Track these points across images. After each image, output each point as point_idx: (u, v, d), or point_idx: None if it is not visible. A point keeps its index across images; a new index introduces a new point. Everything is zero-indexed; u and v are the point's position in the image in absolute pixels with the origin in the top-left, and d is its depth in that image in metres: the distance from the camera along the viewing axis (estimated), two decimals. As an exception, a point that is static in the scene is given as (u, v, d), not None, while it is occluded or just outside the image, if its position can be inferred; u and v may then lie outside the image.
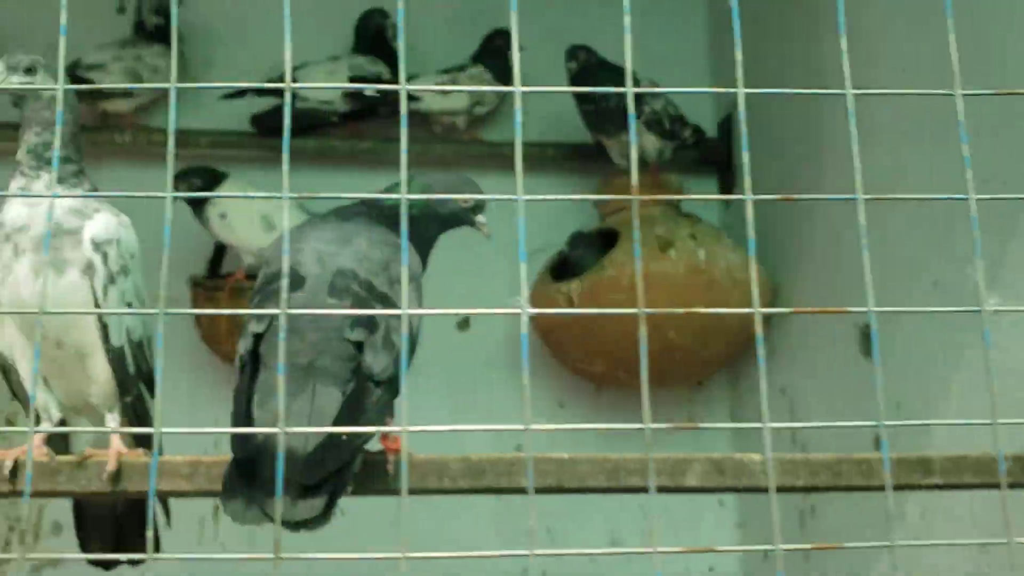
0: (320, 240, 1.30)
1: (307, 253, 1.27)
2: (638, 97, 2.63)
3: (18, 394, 1.42)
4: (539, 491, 1.21)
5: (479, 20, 2.76)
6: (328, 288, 1.23)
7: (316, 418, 1.14)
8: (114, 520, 1.54)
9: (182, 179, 2.45)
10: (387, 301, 1.24)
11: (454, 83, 2.71)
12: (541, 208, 2.87)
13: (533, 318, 2.87)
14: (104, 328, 1.34)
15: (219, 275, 2.58)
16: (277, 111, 2.64)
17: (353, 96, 2.66)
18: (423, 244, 1.39)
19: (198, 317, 2.50)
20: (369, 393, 1.18)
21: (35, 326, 1.28)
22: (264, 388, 1.18)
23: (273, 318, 1.20)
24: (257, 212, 2.49)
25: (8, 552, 2.53)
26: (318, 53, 2.68)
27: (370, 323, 1.21)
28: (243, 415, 1.17)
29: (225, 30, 2.74)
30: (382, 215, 1.35)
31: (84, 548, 1.55)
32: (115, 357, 1.36)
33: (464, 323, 2.75)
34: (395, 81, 2.69)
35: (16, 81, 1.33)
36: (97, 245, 1.32)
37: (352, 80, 2.66)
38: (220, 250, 2.60)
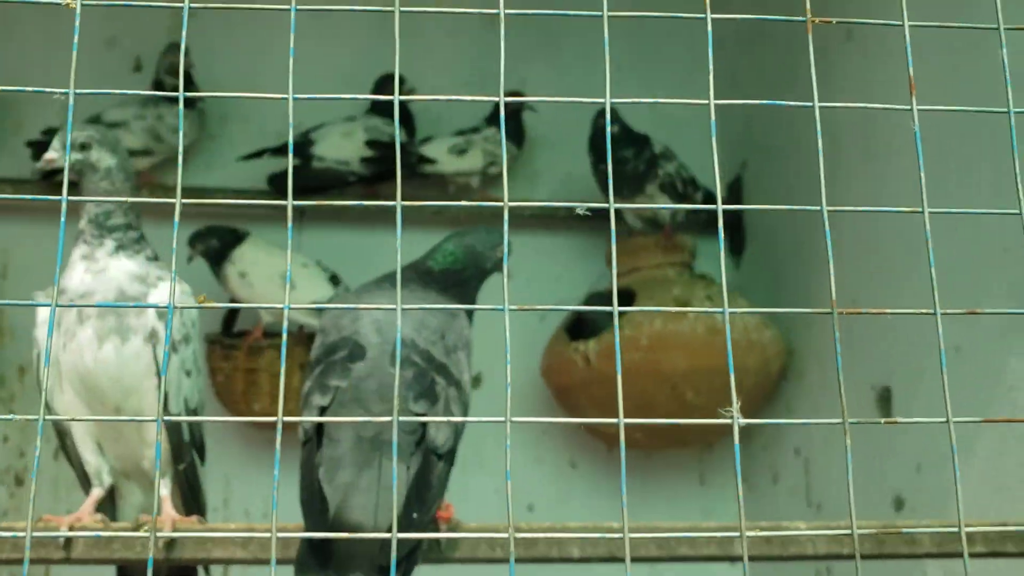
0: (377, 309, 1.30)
1: (365, 323, 1.28)
2: (652, 160, 2.67)
3: (71, 457, 1.43)
4: (591, 560, 1.21)
5: (494, 82, 2.78)
6: (390, 359, 1.23)
7: (384, 493, 1.15)
8: None
9: (202, 238, 2.46)
10: (444, 371, 1.25)
11: (468, 145, 2.73)
12: (554, 266, 2.88)
13: (549, 375, 2.86)
14: (165, 396, 1.33)
15: (234, 333, 2.57)
16: (295, 171, 2.66)
17: (372, 158, 2.68)
18: (469, 300, 1.41)
19: (214, 375, 2.49)
20: (434, 467, 1.19)
21: (93, 391, 1.30)
22: (331, 461, 1.18)
23: (337, 390, 1.21)
24: (276, 271, 2.49)
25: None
26: (334, 114, 2.71)
27: (432, 395, 1.23)
28: (312, 488, 1.17)
29: (242, 88, 2.77)
30: (432, 279, 1.36)
31: None
32: (172, 424, 1.36)
33: (476, 380, 2.74)
34: (411, 142, 2.73)
35: (73, 158, 1.35)
36: (161, 314, 1.33)
37: (368, 142, 2.68)
38: (235, 312, 2.60)
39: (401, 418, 1.20)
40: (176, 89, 2.70)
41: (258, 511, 2.53)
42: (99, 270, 1.31)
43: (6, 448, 2.59)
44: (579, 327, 2.53)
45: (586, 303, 2.56)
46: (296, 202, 0.65)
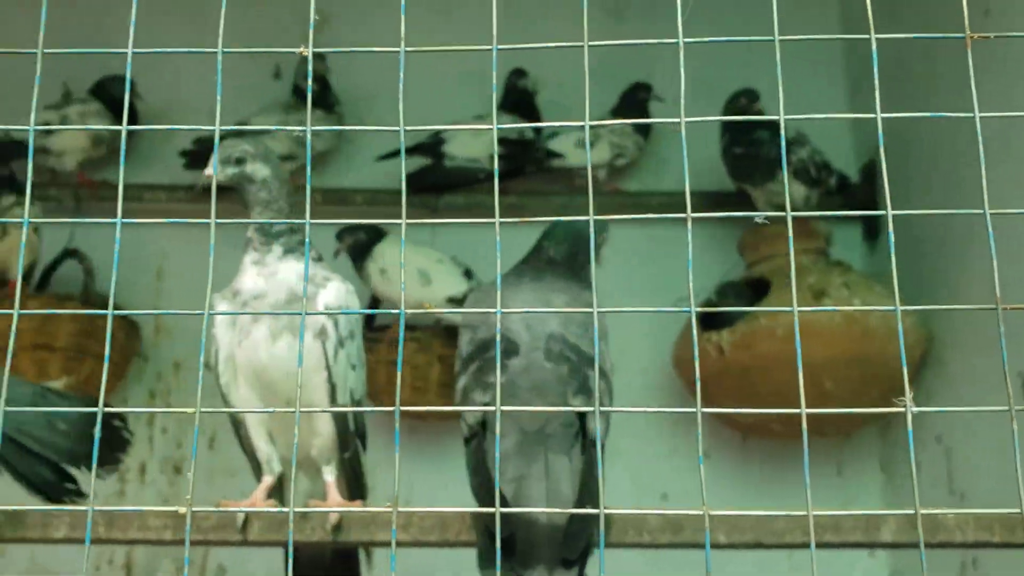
0: (524, 302, 1.32)
1: (514, 317, 1.30)
2: (786, 145, 2.60)
3: (245, 446, 1.52)
4: (732, 547, 1.21)
5: (619, 72, 2.77)
6: (544, 354, 1.26)
7: (552, 486, 1.19)
8: (324, 567, 1.60)
9: (350, 232, 2.54)
10: (594, 363, 1.27)
11: (596, 137, 2.73)
12: (685, 256, 2.82)
13: (680, 366, 2.84)
14: (332, 388, 1.41)
15: (375, 327, 2.64)
16: (428, 170, 2.72)
17: (502, 155, 2.72)
18: (586, 283, 1.41)
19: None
20: (595, 459, 1.21)
21: (268, 385, 1.39)
22: (501, 456, 1.21)
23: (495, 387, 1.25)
24: (415, 267, 2.55)
25: (179, 591, 2.64)
26: (464, 113, 2.75)
27: (588, 390, 1.25)
28: (483, 481, 1.22)
29: (377, 92, 2.83)
30: (558, 266, 1.38)
31: None
32: (339, 415, 1.44)
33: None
34: (539, 139, 2.75)
35: (230, 172, 1.43)
36: (329, 310, 1.40)
37: (501, 139, 2.72)
38: (375, 303, 2.67)
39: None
40: (316, 95, 2.79)
41: (401, 496, 2.59)
42: (270, 274, 1.39)
43: (165, 439, 2.73)
44: (712, 317, 2.50)
45: (719, 293, 2.52)
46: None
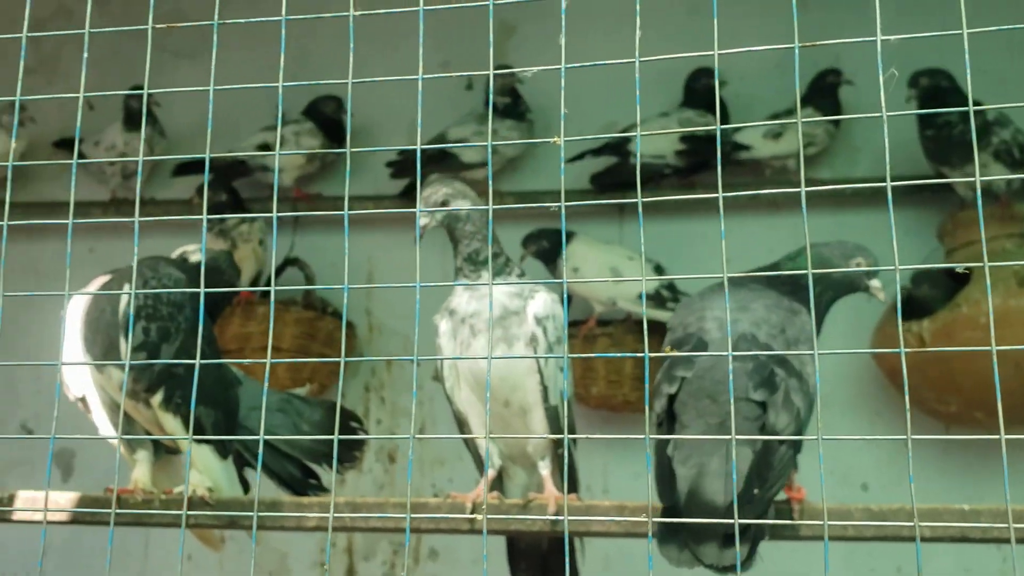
0: (720, 307, 1.36)
1: (709, 320, 1.35)
2: (986, 127, 2.44)
3: (467, 442, 1.63)
4: (936, 540, 1.18)
5: (805, 62, 2.68)
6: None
7: (730, 477, 1.19)
8: (541, 555, 1.68)
9: (533, 240, 2.57)
10: (785, 363, 1.28)
11: (783, 128, 2.64)
12: (883, 244, 2.69)
13: (879, 358, 2.71)
14: (544, 390, 1.51)
15: (570, 323, 2.66)
16: (614, 170, 2.72)
17: (686, 151, 2.68)
18: (818, 310, 1.42)
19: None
20: (775, 450, 1.23)
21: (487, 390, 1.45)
22: (682, 444, 1.25)
23: (684, 380, 1.29)
24: (607, 264, 2.56)
25: (393, 573, 2.75)
26: (648, 111, 2.72)
27: (771, 384, 1.27)
28: (666, 469, 1.25)
29: (572, 96, 2.84)
30: (779, 280, 1.39)
31: None
32: (551, 414, 1.52)
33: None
34: (724, 133, 2.69)
35: (439, 217, 1.55)
36: (539, 320, 1.51)
37: (684, 138, 2.67)
38: (567, 300, 2.69)
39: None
40: (507, 106, 2.82)
41: (597, 486, 2.60)
42: (481, 296, 1.51)
43: (379, 430, 2.85)
44: (911, 306, 2.37)
45: (914, 282, 2.39)
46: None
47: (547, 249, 2.55)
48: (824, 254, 1.44)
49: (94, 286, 1.62)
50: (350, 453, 1.77)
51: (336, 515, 1.42)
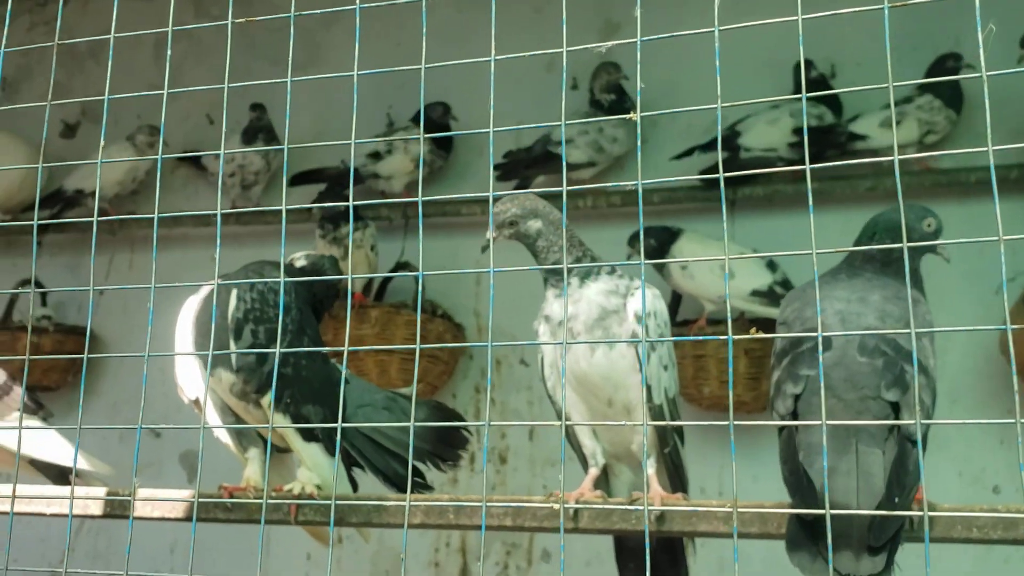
0: (838, 299, 1.31)
1: (829, 314, 1.29)
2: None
3: (571, 441, 1.61)
4: None
5: (923, 46, 2.58)
6: (858, 348, 1.23)
7: (863, 479, 1.16)
8: (650, 553, 1.62)
9: (636, 239, 2.54)
10: (912, 358, 1.22)
11: (902, 115, 2.55)
12: (1007, 234, 2.56)
13: (1008, 349, 2.58)
14: (647, 388, 1.48)
15: (679, 322, 2.63)
16: (725, 164, 2.66)
17: (799, 141, 2.61)
18: (915, 279, 1.36)
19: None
20: (910, 453, 1.18)
21: (589, 389, 1.49)
22: (809, 446, 1.20)
23: (808, 379, 1.25)
24: (716, 262, 2.51)
25: (506, 574, 2.76)
26: (758, 104, 2.67)
27: (903, 384, 1.21)
28: (797, 471, 1.21)
29: (671, 90, 2.81)
30: (876, 260, 1.34)
31: None
32: (656, 413, 1.49)
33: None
34: (838, 123, 2.61)
35: (507, 233, 1.54)
36: (639, 318, 1.47)
37: (796, 128, 2.61)
38: (677, 299, 2.65)
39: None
40: (612, 104, 2.80)
41: (713, 488, 2.56)
42: (576, 300, 1.48)
43: (491, 431, 2.87)
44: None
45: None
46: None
47: (654, 248, 2.52)
48: (896, 219, 1.37)
49: (204, 292, 1.66)
50: (454, 452, 1.76)
51: (427, 505, 1.42)
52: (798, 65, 2.65)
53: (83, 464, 1.85)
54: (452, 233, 2.89)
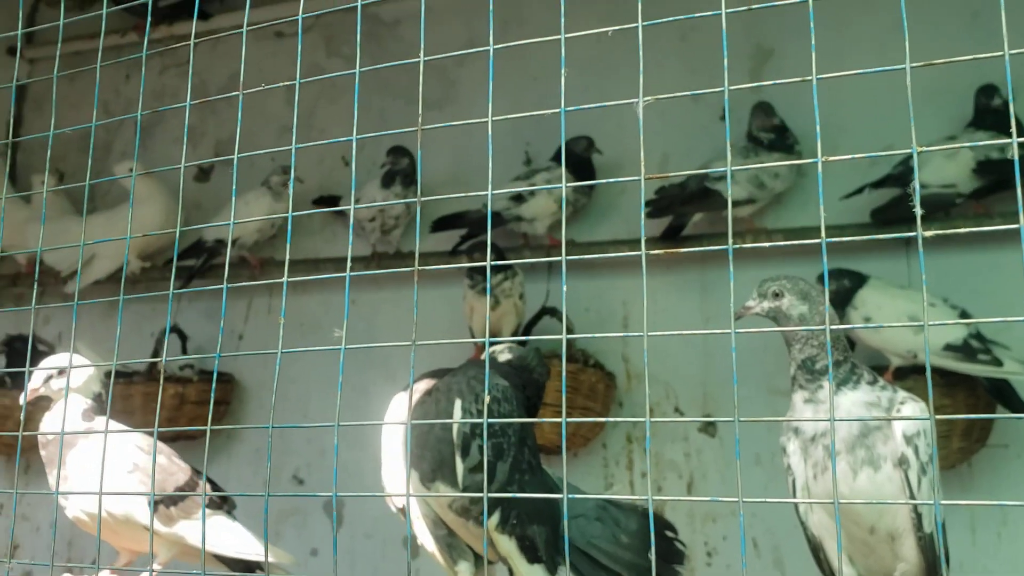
0: None
1: None
2: None
3: (823, 568, 1.54)
4: None
5: None
6: None
7: None
8: None
9: (834, 277, 2.43)
10: None
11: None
12: None
13: None
14: (917, 517, 1.40)
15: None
16: (895, 204, 2.56)
17: (981, 173, 2.48)
18: None
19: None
20: None
21: (849, 515, 1.42)
22: None
23: None
24: (904, 312, 2.39)
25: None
26: (933, 133, 2.56)
27: None
28: None
29: (831, 122, 2.71)
30: None
31: None
32: (925, 542, 1.41)
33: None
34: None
35: (767, 306, 1.49)
36: (908, 439, 1.39)
37: (980, 162, 2.47)
38: (851, 345, 2.53)
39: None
40: (768, 140, 2.72)
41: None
42: (827, 410, 1.39)
43: (643, 483, 2.80)
44: None
45: None
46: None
47: (844, 290, 2.41)
48: None
49: (418, 391, 1.60)
50: (669, 567, 1.66)
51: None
52: (980, 90, 2.53)
53: (269, 556, 1.92)
54: (596, 273, 2.87)
